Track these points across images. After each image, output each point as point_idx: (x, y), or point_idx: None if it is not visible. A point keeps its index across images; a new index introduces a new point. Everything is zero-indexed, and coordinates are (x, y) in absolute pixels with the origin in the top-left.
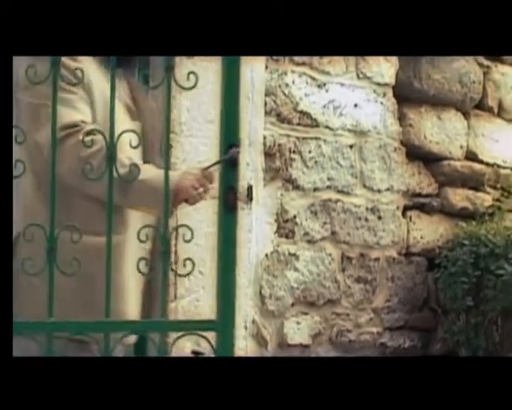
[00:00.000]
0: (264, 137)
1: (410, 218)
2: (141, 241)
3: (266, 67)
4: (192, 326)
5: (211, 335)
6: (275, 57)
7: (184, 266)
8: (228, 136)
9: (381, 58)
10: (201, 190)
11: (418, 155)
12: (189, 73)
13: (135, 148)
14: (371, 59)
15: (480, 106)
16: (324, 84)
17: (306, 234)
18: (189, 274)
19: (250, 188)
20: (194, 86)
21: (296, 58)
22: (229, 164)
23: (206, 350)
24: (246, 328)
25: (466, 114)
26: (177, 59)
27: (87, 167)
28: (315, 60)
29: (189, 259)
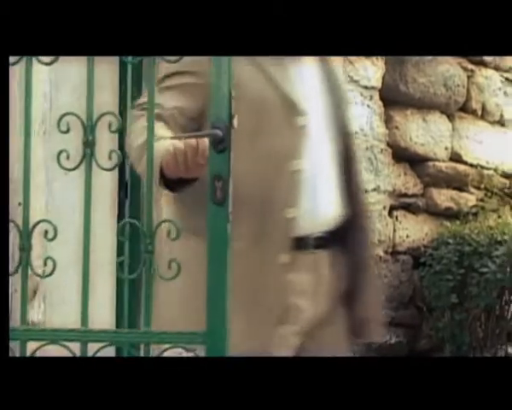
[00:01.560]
0: None
1: (396, 217)
2: (120, 238)
3: None
4: (179, 338)
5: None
6: None
7: (169, 267)
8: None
9: (368, 62)
10: (181, 158)
11: (404, 156)
12: None
13: (114, 132)
14: (358, 63)
15: (464, 108)
16: None
17: None
18: (174, 278)
19: None
20: (181, 58)
21: None
22: (212, 145)
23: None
24: None
25: (450, 117)
26: None
27: (63, 155)
28: None
29: (174, 260)
